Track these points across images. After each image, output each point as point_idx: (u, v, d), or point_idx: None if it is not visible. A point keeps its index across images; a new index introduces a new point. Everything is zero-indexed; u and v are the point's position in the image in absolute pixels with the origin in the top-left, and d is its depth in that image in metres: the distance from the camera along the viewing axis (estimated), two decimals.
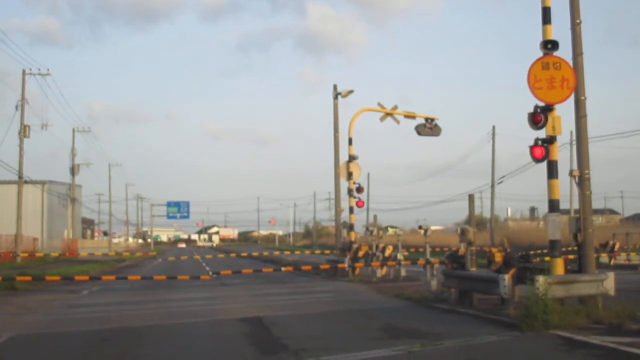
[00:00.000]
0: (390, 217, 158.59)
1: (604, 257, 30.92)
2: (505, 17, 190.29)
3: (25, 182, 49.25)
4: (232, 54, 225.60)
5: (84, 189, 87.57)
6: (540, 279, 11.61)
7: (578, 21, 13.94)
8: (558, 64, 12.86)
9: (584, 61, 13.99)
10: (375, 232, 27.44)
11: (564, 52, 13.36)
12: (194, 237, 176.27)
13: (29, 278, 22.37)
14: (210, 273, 26.52)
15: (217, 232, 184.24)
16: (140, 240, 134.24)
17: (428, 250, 22.70)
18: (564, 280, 12.45)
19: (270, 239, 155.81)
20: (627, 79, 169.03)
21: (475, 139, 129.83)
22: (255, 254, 57.49)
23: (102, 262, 46.89)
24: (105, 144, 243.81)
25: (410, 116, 28.58)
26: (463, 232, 16.29)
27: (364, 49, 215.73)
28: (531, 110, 12.87)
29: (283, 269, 27.14)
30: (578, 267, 13.77)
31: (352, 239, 27.80)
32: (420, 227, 24.74)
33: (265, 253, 59.60)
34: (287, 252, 54.37)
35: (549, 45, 12.90)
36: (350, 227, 28.33)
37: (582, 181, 13.80)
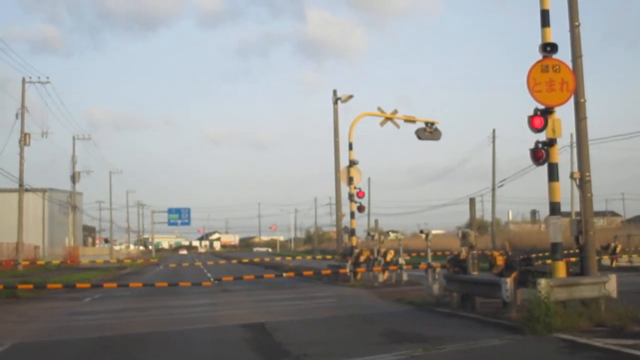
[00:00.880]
0: (391, 221, 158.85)
1: (606, 260, 30.91)
2: (506, 17, 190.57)
3: (26, 190, 49.31)
4: (232, 59, 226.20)
5: (85, 197, 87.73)
6: (543, 282, 11.61)
7: (577, 23, 13.93)
8: (557, 67, 12.87)
9: (584, 63, 13.98)
10: (376, 236, 27.45)
11: (564, 54, 13.39)
12: (195, 243, 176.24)
13: (30, 286, 22.39)
14: (212, 279, 26.52)
15: (219, 239, 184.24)
16: (141, 248, 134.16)
17: (429, 254, 22.71)
18: (566, 283, 12.43)
19: (271, 244, 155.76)
20: (627, 81, 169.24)
21: (476, 142, 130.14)
22: (256, 259, 57.41)
23: (104, 269, 46.85)
24: (106, 151, 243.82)
25: (410, 120, 28.66)
26: (464, 236, 16.27)
27: (364, 52, 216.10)
28: (531, 113, 12.87)
29: (284, 274, 27.16)
30: (580, 269, 13.73)
31: (354, 243, 27.77)
32: (421, 232, 24.75)
33: (267, 259, 59.50)
34: (289, 258, 54.44)
35: (548, 48, 12.91)
36: (352, 232, 28.29)
37: (583, 183, 13.78)
